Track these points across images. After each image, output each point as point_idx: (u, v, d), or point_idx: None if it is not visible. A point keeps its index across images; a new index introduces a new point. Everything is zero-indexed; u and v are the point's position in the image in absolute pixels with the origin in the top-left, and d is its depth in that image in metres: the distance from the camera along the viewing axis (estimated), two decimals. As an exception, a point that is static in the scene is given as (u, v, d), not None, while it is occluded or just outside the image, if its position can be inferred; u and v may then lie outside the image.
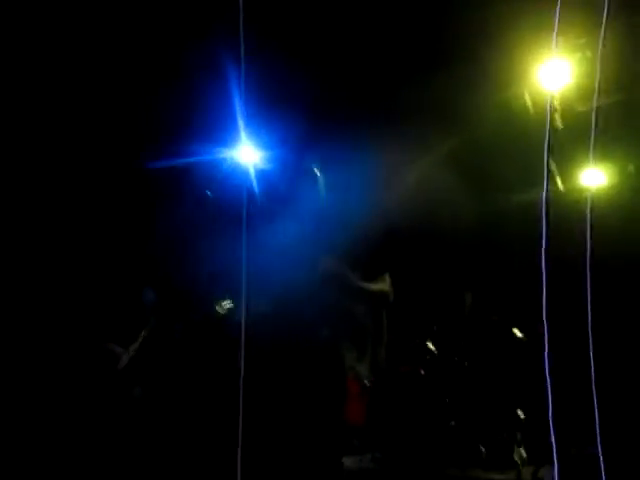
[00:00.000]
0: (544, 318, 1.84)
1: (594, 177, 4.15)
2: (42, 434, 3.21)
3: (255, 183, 2.90)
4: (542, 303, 1.82)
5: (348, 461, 4.18)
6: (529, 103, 3.73)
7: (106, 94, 3.99)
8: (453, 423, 4.45)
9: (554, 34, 1.96)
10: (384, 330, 2.68)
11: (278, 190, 3.01)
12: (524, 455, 4.29)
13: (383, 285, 2.65)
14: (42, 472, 3.08)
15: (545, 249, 1.85)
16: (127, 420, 3.24)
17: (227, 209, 2.66)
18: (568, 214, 3.54)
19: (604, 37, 2.37)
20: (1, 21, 3.32)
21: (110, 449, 3.11)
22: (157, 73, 3.93)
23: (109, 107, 4.05)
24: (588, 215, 2.50)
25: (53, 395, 3.33)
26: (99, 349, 3.36)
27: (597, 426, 1.81)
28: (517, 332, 4.61)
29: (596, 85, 2.54)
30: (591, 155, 2.73)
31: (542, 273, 1.87)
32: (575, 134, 3.71)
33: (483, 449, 4.41)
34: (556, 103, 3.09)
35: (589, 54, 3.50)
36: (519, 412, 4.45)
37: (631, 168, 4.25)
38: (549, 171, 2.50)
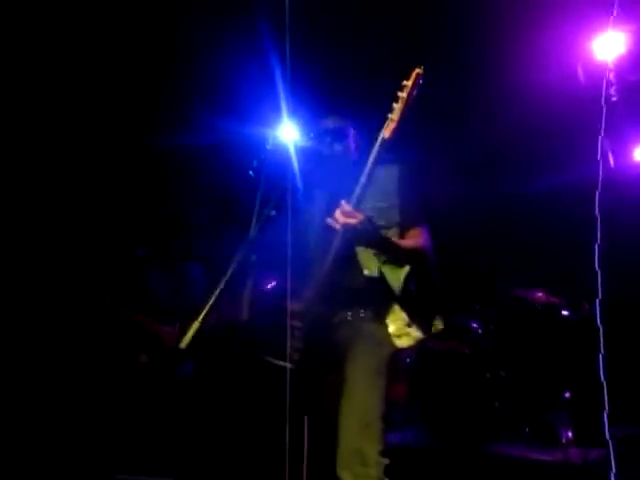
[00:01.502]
0: (598, 298, 1.78)
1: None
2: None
3: (296, 161, 2.87)
4: (597, 283, 1.76)
5: (391, 437, 4.21)
6: (581, 76, 3.60)
7: (143, 68, 3.99)
8: (497, 404, 4.42)
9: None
10: (434, 292, 2.58)
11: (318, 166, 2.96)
12: (571, 436, 4.23)
13: (416, 240, 2.53)
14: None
15: (599, 228, 1.79)
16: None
17: (270, 187, 2.64)
18: (620, 192, 3.43)
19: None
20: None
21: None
22: (197, 47, 3.92)
23: (148, 82, 4.05)
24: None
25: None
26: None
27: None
28: (564, 312, 4.52)
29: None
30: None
31: (595, 252, 1.82)
32: (628, 107, 3.58)
33: (527, 429, 4.37)
34: (611, 76, 2.97)
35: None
36: (566, 392, 4.39)
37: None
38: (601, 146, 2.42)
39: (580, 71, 3.58)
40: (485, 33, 3.52)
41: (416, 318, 2.38)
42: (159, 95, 4.05)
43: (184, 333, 2.14)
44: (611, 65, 3.26)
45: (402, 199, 2.43)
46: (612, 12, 2.95)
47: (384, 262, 2.41)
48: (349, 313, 2.46)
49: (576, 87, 3.60)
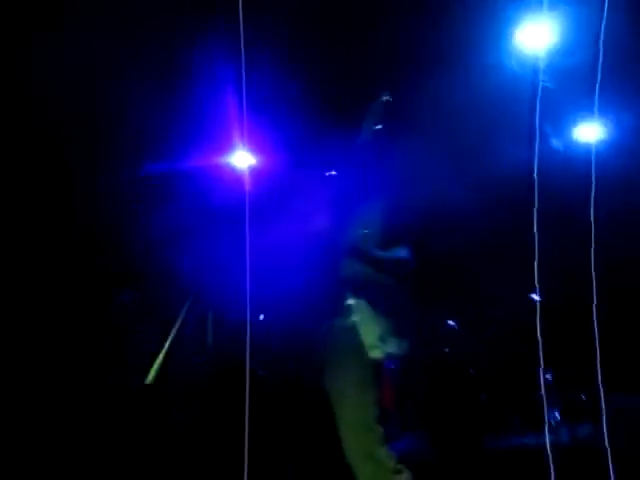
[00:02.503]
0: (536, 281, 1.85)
1: (593, 131, 4.11)
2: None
3: (251, 188, 2.91)
4: (535, 266, 1.82)
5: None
6: (516, 65, 3.70)
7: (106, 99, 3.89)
8: (484, 395, 4.46)
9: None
10: (409, 306, 2.66)
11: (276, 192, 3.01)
12: (558, 417, 4.29)
13: (402, 254, 2.61)
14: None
15: (537, 210, 1.86)
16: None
17: (225, 214, 2.67)
18: (569, 172, 3.53)
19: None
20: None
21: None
22: (155, 80, 3.86)
23: (107, 111, 3.96)
24: (593, 170, 2.49)
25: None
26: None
27: None
28: (535, 296, 4.59)
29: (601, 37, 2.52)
30: (596, 108, 2.71)
31: (534, 233, 1.89)
32: (566, 91, 3.69)
33: (516, 417, 4.43)
34: (543, 63, 3.06)
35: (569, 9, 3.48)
36: (547, 375, 4.46)
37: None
38: (539, 131, 2.51)
39: (513, 60, 3.68)
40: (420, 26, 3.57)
41: (391, 333, 2.42)
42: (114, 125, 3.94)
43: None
44: (542, 53, 3.36)
45: (385, 224, 2.52)
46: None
47: (364, 273, 2.45)
48: (324, 323, 2.48)
49: (512, 75, 3.70)
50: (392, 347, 2.41)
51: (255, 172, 3.54)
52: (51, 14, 3.24)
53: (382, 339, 2.40)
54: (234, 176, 3.48)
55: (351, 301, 2.45)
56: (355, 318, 2.43)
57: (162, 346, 2.23)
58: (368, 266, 2.46)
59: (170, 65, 3.62)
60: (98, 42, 3.35)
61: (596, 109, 2.19)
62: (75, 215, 3.89)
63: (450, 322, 4.74)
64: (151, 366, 2.22)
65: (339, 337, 2.44)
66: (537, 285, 2.66)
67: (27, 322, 3.58)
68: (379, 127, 2.42)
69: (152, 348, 3.16)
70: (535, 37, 3.60)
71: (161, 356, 2.15)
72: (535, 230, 2.35)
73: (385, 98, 2.42)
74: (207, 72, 3.50)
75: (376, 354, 2.39)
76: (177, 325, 2.25)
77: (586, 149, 3.88)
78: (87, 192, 3.89)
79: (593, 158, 2.68)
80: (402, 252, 2.51)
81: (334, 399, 2.38)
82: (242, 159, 3.51)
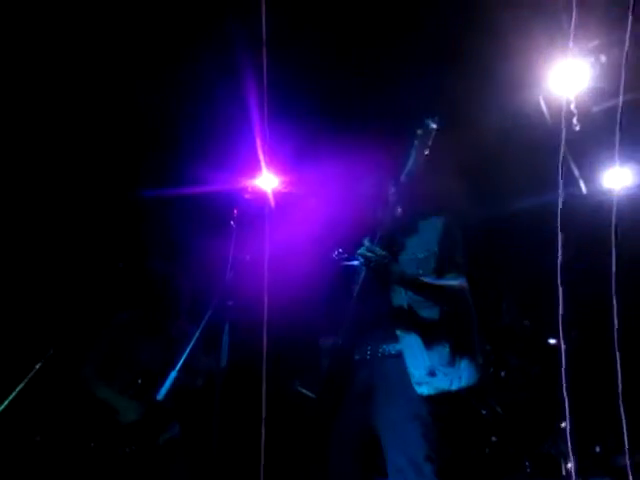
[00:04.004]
0: (560, 327, 1.81)
1: (618, 177, 4.07)
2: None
3: (274, 209, 2.93)
4: (559, 309, 1.78)
5: None
6: (544, 108, 3.71)
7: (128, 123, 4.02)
8: (494, 438, 4.35)
9: (570, 38, 1.95)
10: (465, 336, 2.57)
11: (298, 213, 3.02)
12: (571, 467, 4.16)
13: (449, 282, 2.53)
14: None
15: (560, 254, 1.83)
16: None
17: (248, 235, 2.69)
18: (593, 217, 3.50)
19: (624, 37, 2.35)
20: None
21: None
22: (178, 102, 3.97)
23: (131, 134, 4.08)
24: (613, 217, 2.46)
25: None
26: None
27: None
28: (551, 340, 4.51)
29: (622, 83, 2.51)
30: (617, 155, 2.69)
31: (558, 276, 1.85)
32: (593, 136, 3.68)
33: (527, 463, 4.29)
34: (572, 106, 3.07)
35: (603, 58, 3.49)
36: (562, 422, 4.33)
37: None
38: (563, 173, 2.48)
39: (542, 102, 3.69)
40: (447, 63, 3.60)
41: (444, 366, 2.26)
42: (138, 149, 4.07)
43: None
44: (572, 96, 3.37)
45: (441, 247, 2.40)
46: (568, 45, 3.06)
47: (414, 301, 2.33)
48: (368, 349, 2.37)
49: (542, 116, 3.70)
50: (443, 382, 2.24)
51: (280, 194, 3.57)
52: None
53: (432, 373, 2.24)
54: (257, 198, 3.52)
55: (399, 330, 2.31)
56: (402, 347, 2.29)
57: (170, 363, 2.21)
58: (419, 294, 2.33)
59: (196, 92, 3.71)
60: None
61: (617, 155, 2.18)
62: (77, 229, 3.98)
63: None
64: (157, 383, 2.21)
65: (386, 365, 2.33)
66: (560, 331, 2.54)
67: (28, 336, 3.63)
68: (426, 154, 2.27)
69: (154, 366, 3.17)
70: (566, 81, 3.62)
71: (174, 373, 2.13)
72: (559, 273, 2.29)
73: (433, 125, 2.27)
74: (232, 96, 3.59)
75: (424, 390, 2.22)
76: (192, 341, 2.23)
77: (610, 195, 3.85)
78: (96, 207, 3.99)
79: (615, 203, 2.64)
80: (457, 280, 2.38)
81: (381, 429, 2.26)
82: (265, 181, 3.56)
